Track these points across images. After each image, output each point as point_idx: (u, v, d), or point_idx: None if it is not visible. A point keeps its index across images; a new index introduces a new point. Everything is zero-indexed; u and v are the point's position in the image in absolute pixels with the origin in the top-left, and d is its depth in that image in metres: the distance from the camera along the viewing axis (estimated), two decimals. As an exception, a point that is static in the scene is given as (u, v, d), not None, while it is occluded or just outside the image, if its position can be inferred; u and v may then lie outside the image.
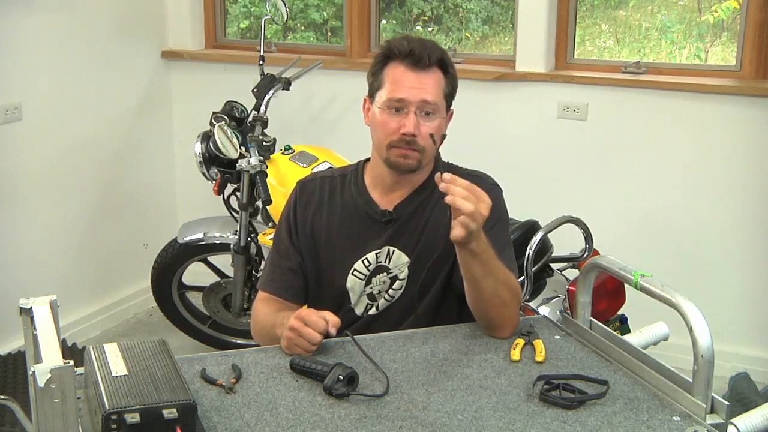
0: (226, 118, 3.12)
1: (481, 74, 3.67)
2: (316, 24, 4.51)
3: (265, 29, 3.53)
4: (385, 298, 2.00)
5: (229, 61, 4.12)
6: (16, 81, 3.46)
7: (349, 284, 2.01)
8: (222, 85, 4.00)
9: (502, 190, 2.03)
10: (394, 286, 1.99)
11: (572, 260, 2.75)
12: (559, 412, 1.53)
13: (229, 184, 3.26)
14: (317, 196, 2.06)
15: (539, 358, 1.73)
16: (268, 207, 3.09)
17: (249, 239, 3.24)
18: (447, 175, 1.68)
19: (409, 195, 2.01)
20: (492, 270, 1.78)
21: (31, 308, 1.47)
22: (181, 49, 4.18)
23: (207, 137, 3.20)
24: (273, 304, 2.01)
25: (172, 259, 3.49)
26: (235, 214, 3.28)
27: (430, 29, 4.38)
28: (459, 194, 1.67)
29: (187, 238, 3.45)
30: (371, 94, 1.98)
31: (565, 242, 2.71)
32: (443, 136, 1.97)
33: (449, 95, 1.96)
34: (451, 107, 2.00)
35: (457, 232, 1.68)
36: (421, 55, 1.89)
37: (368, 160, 2.07)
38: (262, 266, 3.31)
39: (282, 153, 3.24)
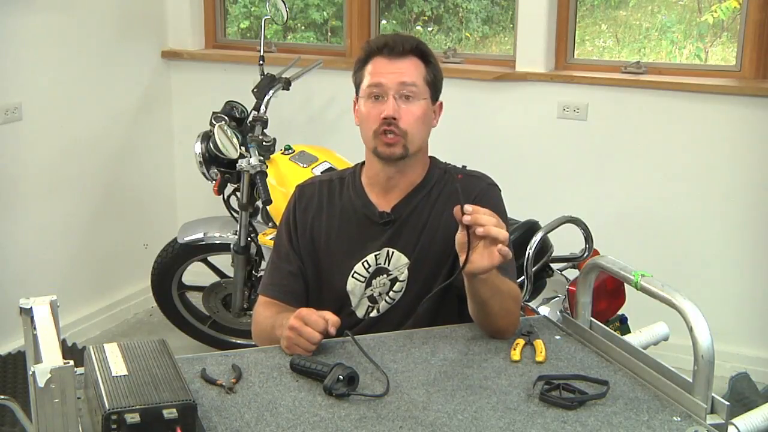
0: (226, 118, 3.12)
1: (481, 74, 3.67)
2: (316, 24, 4.51)
3: (265, 29, 3.52)
4: (386, 301, 2.00)
5: (229, 61, 4.12)
6: (16, 81, 3.46)
7: (349, 287, 2.01)
8: (222, 85, 4.00)
9: (500, 190, 2.03)
10: (394, 288, 1.99)
11: (572, 260, 2.75)
12: (559, 412, 1.53)
13: (229, 184, 3.25)
14: (316, 199, 2.07)
15: (539, 358, 1.73)
16: (268, 207, 3.08)
17: (249, 239, 3.24)
18: (469, 207, 1.65)
19: (406, 195, 2.01)
20: (499, 288, 1.77)
21: (31, 308, 1.47)
22: (181, 49, 4.18)
23: (207, 137, 3.20)
24: (273, 307, 2.00)
25: (172, 259, 3.49)
26: (235, 214, 3.27)
27: (430, 29, 4.38)
28: (490, 222, 1.64)
29: (187, 238, 3.45)
30: (357, 93, 2.00)
31: (565, 242, 2.71)
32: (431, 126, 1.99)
33: (432, 83, 1.97)
34: (439, 99, 2.01)
35: (494, 260, 1.65)
36: (396, 45, 1.93)
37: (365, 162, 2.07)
38: (262, 266, 3.31)
39: (282, 153, 3.25)
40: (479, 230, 1.64)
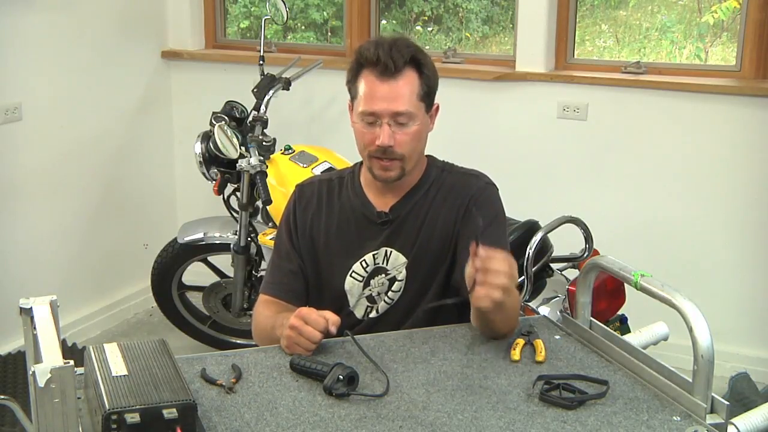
0: (226, 118, 3.12)
1: (481, 74, 3.67)
2: (316, 24, 4.51)
3: (265, 29, 3.53)
4: (385, 301, 2.00)
5: (229, 61, 4.12)
6: (16, 81, 3.46)
7: (347, 286, 2.01)
8: (222, 85, 4.00)
9: (497, 189, 2.03)
10: (393, 288, 1.99)
11: (572, 260, 2.75)
12: (559, 412, 1.53)
13: (229, 184, 3.26)
14: (315, 199, 2.07)
15: (539, 358, 1.73)
16: (268, 207, 3.08)
17: (249, 239, 3.24)
18: (483, 252, 1.62)
19: (404, 195, 2.01)
20: (503, 305, 1.75)
21: (31, 308, 1.47)
22: (181, 49, 4.18)
23: (207, 137, 3.20)
24: (273, 306, 2.01)
25: (172, 259, 3.49)
26: (235, 214, 3.28)
27: (430, 29, 4.38)
28: (501, 269, 1.62)
29: (187, 238, 3.45)
30: (351, 99, 1.97)
31: (565, 242, 2.71)
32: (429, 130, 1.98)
33: (426, 95, 1.92)
34: (435, 102, 1.97)
35: (484, 303, 1.64)
36: (387, 63, 1.86)
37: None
38: (262, 266, 3.31)
39: (282, 153, 3.25)
40: (479, 277, 1.62)
